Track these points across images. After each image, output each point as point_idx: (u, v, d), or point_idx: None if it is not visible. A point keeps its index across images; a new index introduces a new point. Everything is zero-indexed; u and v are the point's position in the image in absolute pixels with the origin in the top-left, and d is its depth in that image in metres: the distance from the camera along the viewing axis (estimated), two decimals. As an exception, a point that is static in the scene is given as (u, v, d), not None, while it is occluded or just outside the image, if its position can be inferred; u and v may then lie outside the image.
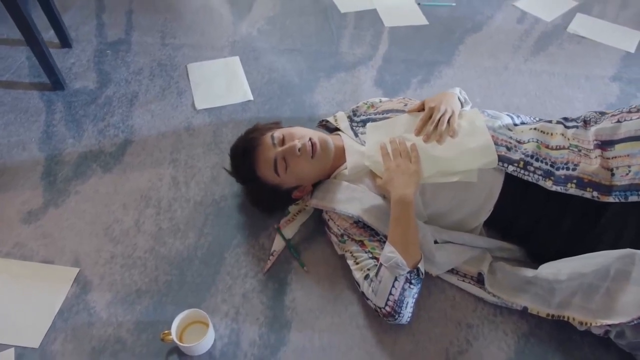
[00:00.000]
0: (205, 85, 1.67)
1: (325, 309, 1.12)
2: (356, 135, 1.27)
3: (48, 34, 1.78)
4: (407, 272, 1.01)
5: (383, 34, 1.93)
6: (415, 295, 1.04)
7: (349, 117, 1.35)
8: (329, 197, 1.19)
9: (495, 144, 1.12)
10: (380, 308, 1.03)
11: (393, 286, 1.01)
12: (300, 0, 2.11)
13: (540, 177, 1.08)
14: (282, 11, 2.04)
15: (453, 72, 1.77)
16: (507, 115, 1.24)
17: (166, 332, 1.01)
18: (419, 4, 2.09)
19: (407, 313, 1.03)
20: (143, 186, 1.36)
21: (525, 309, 1.07)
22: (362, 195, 1.14)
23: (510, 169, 1.09)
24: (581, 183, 1.05)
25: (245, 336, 1.07)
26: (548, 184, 1.07)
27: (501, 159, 1.10)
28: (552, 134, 1.15)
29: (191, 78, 1.70)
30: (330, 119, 1.38)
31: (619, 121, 1.07)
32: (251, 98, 1.64)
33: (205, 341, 1.01)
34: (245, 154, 1.19)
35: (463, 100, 1.27)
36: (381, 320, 1.07)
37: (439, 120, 1.13)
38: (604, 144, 1.08)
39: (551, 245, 1.11)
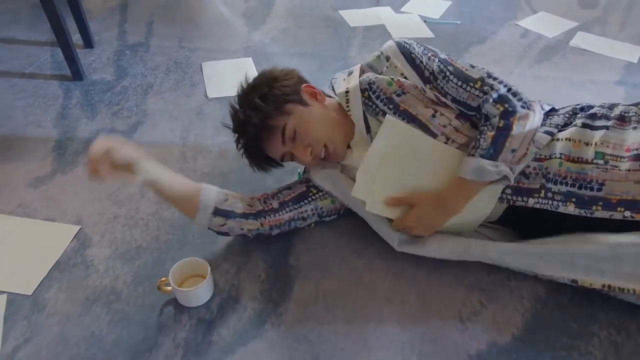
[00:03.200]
0: (217, 79, 1.73)
1: (330, 269, 1.07)
2: (368, 128, 1.08)
3: (74, 37, 1.87)
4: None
5: (391, 44, 2.00)
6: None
7: (364, 91, 1.07)
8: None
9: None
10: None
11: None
12: (312, 15, 2.22)
13: (560, 203, 0.96)
14: (294, 24, 2.14)
15: (459, 74, 1.81)
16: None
17: (163, 279, 0.97)
18: (425, 21, 2.19)
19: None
20: (151, 159, 1.36)
21: (574, 282, 0.96)
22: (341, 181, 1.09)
23: (532, 202, 0.98)
24: (609, 204, 0.93)
25: (245, 292, 1.02)
26: (570, 209, 0.95)
27: (520, 192, 0.98)
28: (577, 141, 0.98)
29: (205, 73, 1.76)
30: (339, 85, 1.15)
31: None
32: (262, 90, 1.68)
33: (203, 289, 0.96)
34: (249, 142, 1.09)
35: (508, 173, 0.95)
36: (390, 281, 1.02)
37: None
38: None
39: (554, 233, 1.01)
